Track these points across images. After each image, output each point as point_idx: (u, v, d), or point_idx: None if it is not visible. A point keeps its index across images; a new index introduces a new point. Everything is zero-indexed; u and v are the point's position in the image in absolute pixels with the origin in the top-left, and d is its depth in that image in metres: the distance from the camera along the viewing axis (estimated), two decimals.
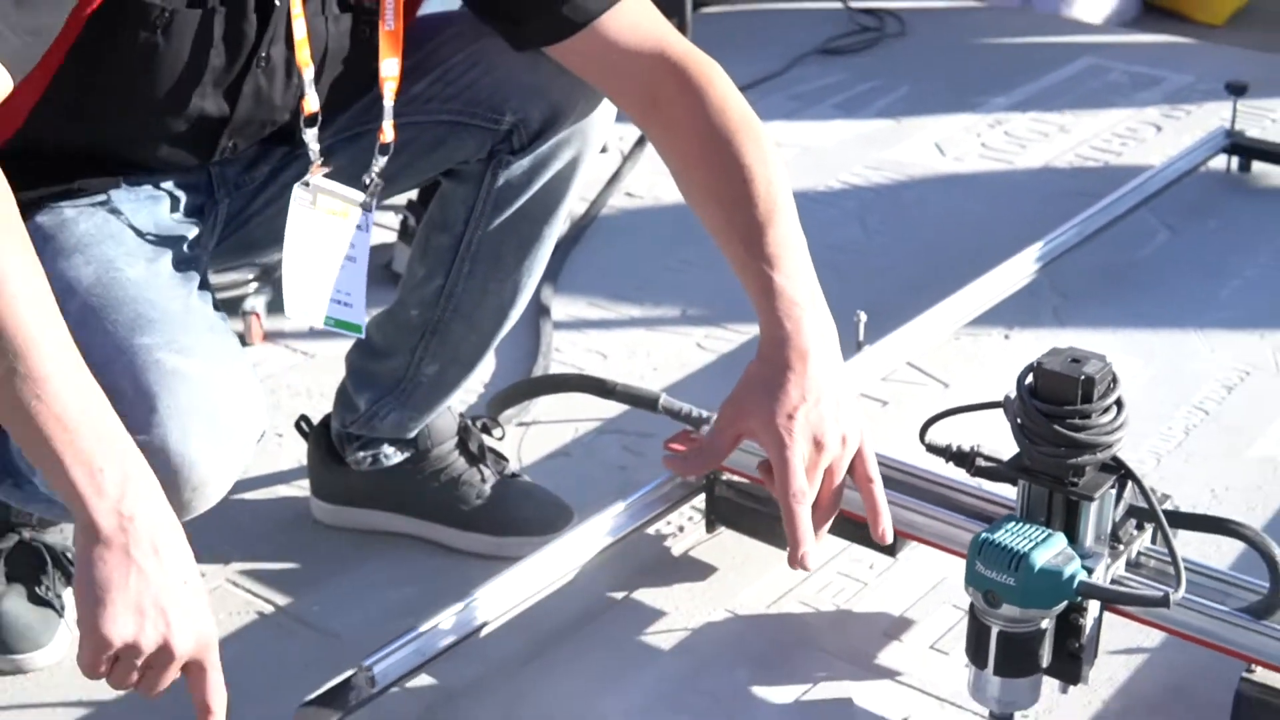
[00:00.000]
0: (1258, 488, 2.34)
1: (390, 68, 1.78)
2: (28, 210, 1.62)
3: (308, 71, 1.73)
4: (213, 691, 1.43)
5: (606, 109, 1.94)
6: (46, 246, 1.64)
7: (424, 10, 1.90)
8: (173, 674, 1.41)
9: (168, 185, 1.81)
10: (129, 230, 1.73)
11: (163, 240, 1.75)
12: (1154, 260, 3.10)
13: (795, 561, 1.65)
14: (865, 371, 2.47)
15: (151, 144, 1.75)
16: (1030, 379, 1.72)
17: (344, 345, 2.46)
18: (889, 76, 4.15)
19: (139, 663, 1.39)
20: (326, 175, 1.79)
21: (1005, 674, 1.72)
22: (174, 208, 1.81)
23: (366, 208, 1.82)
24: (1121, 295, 2.95)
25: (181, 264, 1.74)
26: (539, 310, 2.79)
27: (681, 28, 3.45)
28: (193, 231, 1.81)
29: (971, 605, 1.73)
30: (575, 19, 1.77)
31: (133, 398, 1.54)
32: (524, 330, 2.71)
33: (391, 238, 2.93)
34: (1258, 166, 3.45)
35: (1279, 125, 3.78)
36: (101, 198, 1.74)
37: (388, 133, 1.80)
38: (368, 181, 1.81)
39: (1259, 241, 3.16)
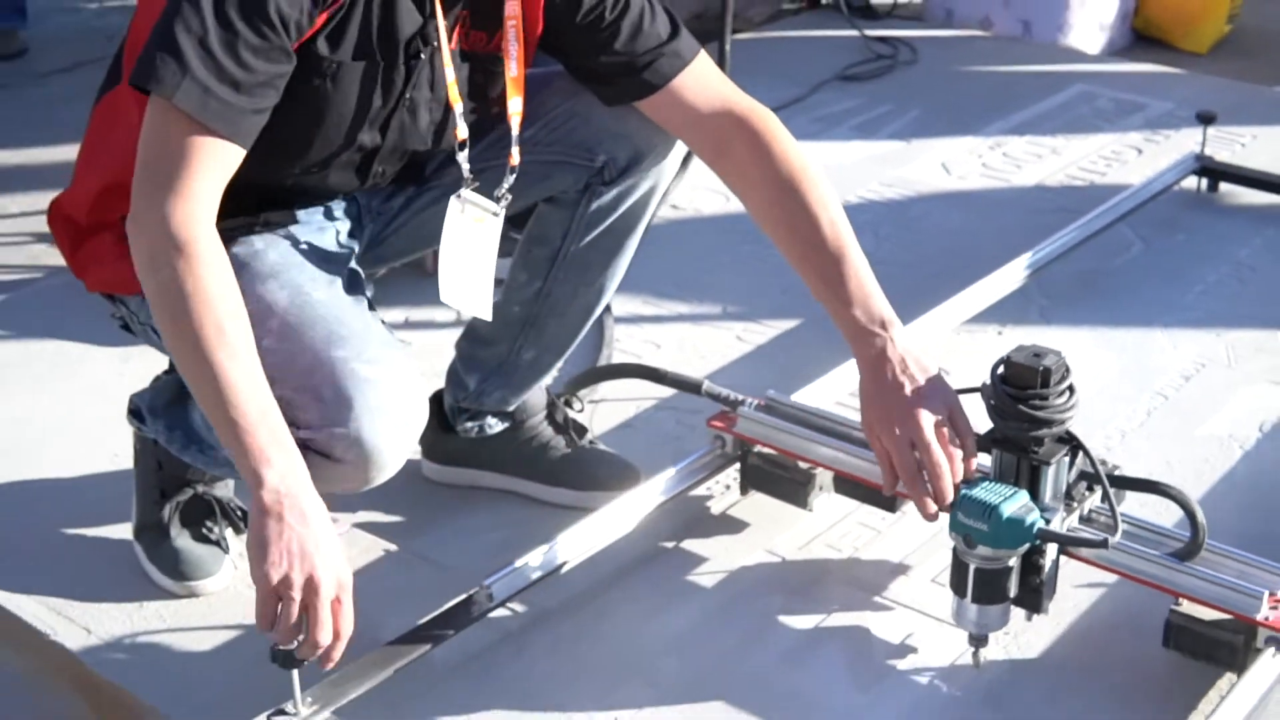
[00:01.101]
0: (1205, 460, 2.77)
1: (516, 105, 2.20)
2: (233, 238, 2.09)
3: (458, 106, 2.15)
4: (344, 620, 1.88)
5: (679, 151, 2.35)
6: (244, 272, 2.06)
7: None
8: (325, 614, 1.85)
9: (335, 215, 2.25)
10: (309, 258, 2.16)
11: (333, 263, 2.18)
12: (1128, 268, 3.52)
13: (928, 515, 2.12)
14: None
15: (322, 173, 2.19)
16: (1001, 369, 2.14)
17: (435, 334, 2.92)
18: (901, 101, 4.58)
19: (295, 600, 1.82)
20: (475, 189, 2.22)
21: (980, 601, 2.14)
22: (337, 236, 2.25)
23: (498, 216, 2.25)
24: (1099, 298, 3.37)
25: (352, 286, 2.16)
26: (603, 308, 3.24)
27: (721, 53, 3.82)
28: (352, 255, 2.26)
29: (954, 547, 2.15)
30: (654, 82, 2.21)
31: (333, 400, 1.98)
32: (591, 325, 3.16)
33: None
34: (1225, 187, 3.87)
35: (1248, 149, 4.21)
36: (283, 231, 2.18)
37: (515, 157, 2.22)
38: (498, 195, 2.24)
39: (1221, 253, 3.59)
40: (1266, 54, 5.42)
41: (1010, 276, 3.27)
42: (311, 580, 1.84)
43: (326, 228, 2.25)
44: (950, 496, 2.08)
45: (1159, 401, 2.97)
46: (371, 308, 2.18)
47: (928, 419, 2.08)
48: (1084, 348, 3.14)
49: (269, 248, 2.14)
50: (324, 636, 1.86)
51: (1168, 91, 4.67)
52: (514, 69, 2.19)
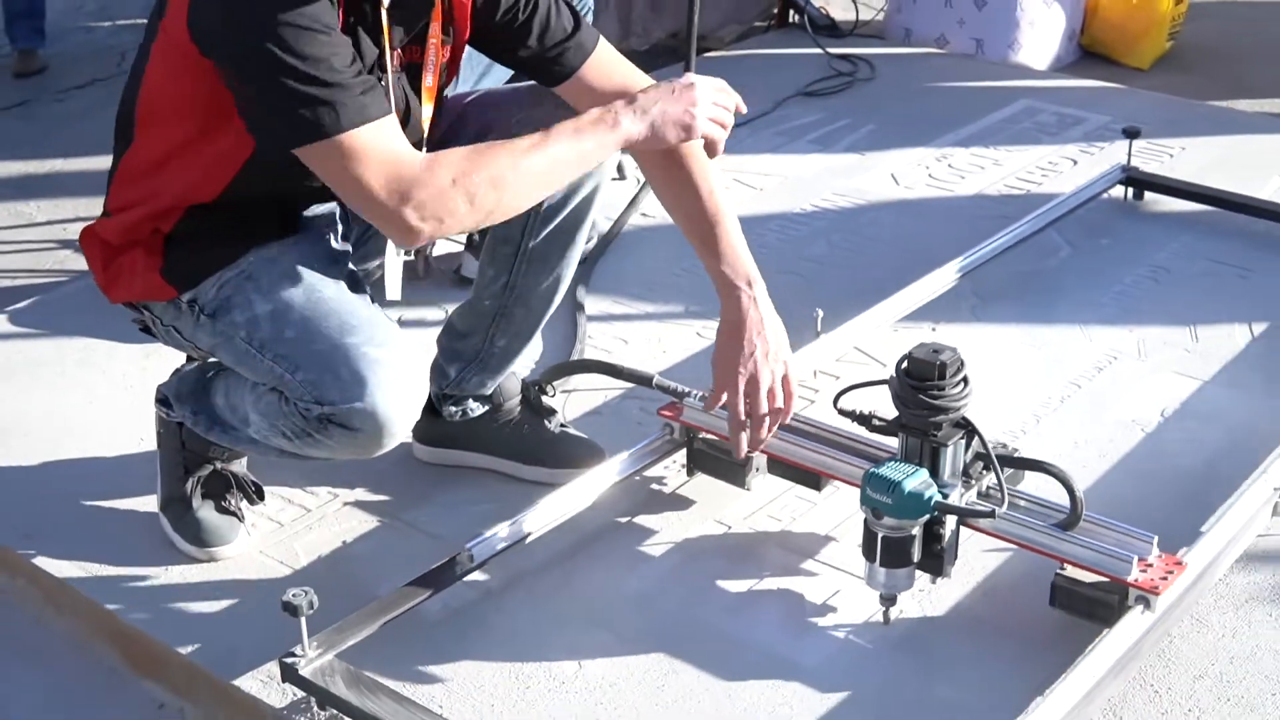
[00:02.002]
0: (1109, 440, 3.11)
1: (427, 111, 2.54)
2: (250, 248, 2.44)
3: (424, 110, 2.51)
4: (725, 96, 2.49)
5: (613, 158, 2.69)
6: (264, 276, 2.43)
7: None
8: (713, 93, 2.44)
9: (331, 223, 2.57)
10: (315, 262, 2.48)
11: (336, 265, 2.51)
12: (1055, 270, 3.87)
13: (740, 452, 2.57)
14: (822, 353, 3.26)
15: (309, 186, 2.48)
16: (905, 364, 2.47)
17: (426, 331, 3.26)
18: (858, 116, 4.93)
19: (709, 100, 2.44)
20: None
21: (888, 565, 2.46)
22: (335, 240, 2.58)
23: None
24: (1026, 298, 3.71)
25: (355, 284, 2.50)
26: (575, 306, 3.56)
27: (687, 55, 4.14)
28: (348, 256, 2.59)
29: (865, 518, 2.48)
30: (563, 72, 2.57)
31: (350, 379, 2.32)
32: (565, 321, 3.50)
33: (459, 248, 3.74)
34: (1149, 196, 4.22)
35: (1176, 160, 4.56)
36: (292, 239, 2.52)
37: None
38: None
39: (1140, 256, 3.93)
40: (1204, 69, 5.78)
41: (944, 277, 3.61)
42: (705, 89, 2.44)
43: (326, 233, 2.58)
44: (746, 450, 2.59)
45: (1073, 390, 3.32)
46: (373, 300, 2.52)
47: (765, 379, 2.52)
48: (1009, 342, 3.50)
49: (282, 255, 2.48)
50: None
51: (1106, 106, 5.02)
52: (429, 80, 2.53)
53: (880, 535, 2.45)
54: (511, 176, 2.28)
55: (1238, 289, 3.77)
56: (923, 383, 2.44)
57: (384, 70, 2.42)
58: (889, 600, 2.53)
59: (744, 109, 2.54)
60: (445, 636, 2.56)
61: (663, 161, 2.58)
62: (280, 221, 2.54)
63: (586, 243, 2.89)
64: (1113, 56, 5.83)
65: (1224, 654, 2.53)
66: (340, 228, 2.62)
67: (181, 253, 2.49)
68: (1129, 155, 4.21)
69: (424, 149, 2.49)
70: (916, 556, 2.48)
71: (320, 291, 2.43)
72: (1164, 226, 4.11)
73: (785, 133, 4.81)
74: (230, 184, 2.44)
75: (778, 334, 2.56)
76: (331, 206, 2.59)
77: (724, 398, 2.57)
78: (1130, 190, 4.24)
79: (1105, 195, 4.18)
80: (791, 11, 5.83)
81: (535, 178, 2.33)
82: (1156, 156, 4.54)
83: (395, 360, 2.37)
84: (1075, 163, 4.56)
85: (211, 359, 2.65)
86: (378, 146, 2.24)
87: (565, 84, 2.60)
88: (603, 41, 2.63)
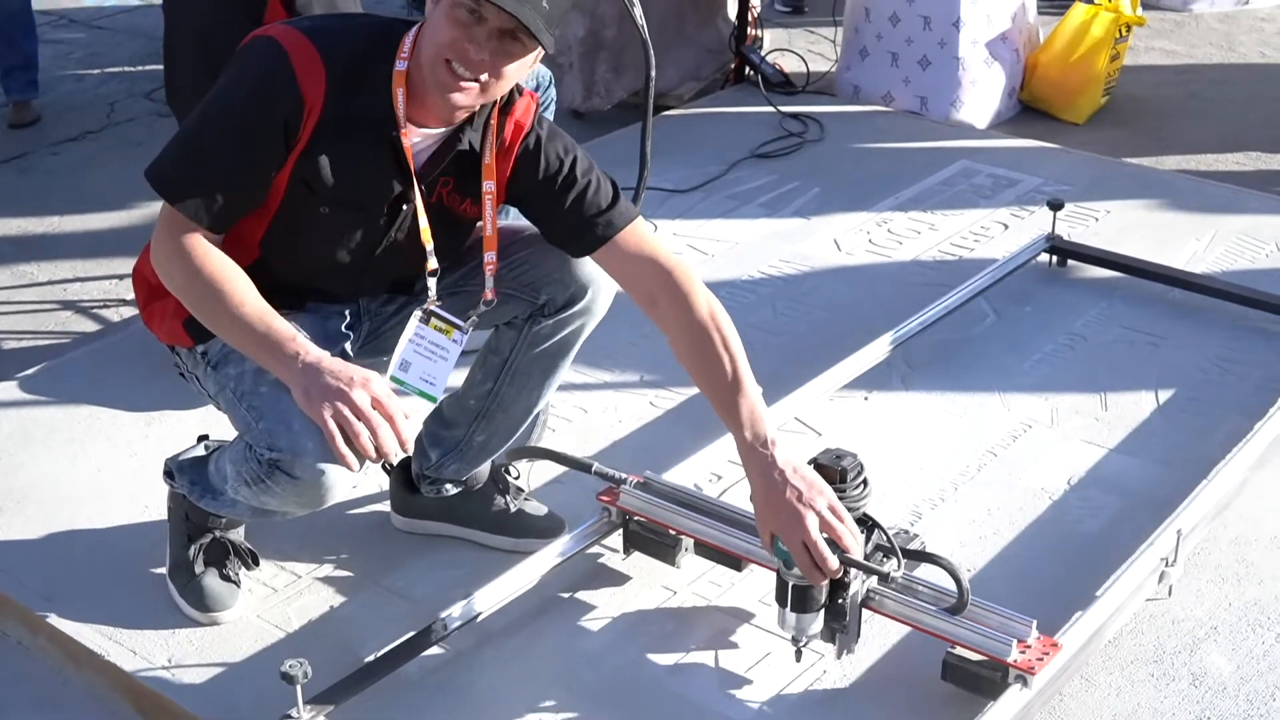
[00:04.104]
0: (1019, 508, 3.44)
1: (490, 257, 2.84)
2: None
3: (429, 245, 2.79)
4: (392, 407, 2.51)
5: (606, 299, 2.98)
6: None
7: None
8: (369, 410, 2.48)
9: (340, 311, 2.90)
10: (311, 334, 2.73)
11: (330, 341, 2.81)
12: (980, 338, 4.20)
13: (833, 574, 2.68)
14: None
15: (325, 280, 2.85)
16: (811, 466, 2.74)
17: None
18: (806, 178, 5.27)
19: (344, 411, 2.46)
20: (439, 305, 2.84)
21: (797, 611, 2.72)
22: (340, 324, 2.90)
23: (464, 331, 2.85)
24: (952, 367, 4.04)
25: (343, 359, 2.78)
26: (542, 407, 3.81)
27: (644, 135, 4.37)
28: (348, 340, 2.91)
29: (777, 569, 2.72)
30: (592, 242, 2.84)
31: (298, 431, 2.57)
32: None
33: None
34: (1072, 263, 4.57)
35: (1101, 223, 4.92)
36: (299, 313, 2.81)
37: (491, 295, 2.86)
38: (469, 315, 2.85)
39: (1059, 324, 4.26)
40: (1138, 123, 6.14)
41: (878, 350, 3.95)
42: (350, 380, 2.51)
43: (331, 316, 2.91)
44: (833, 568, 2.67)
45: (989, 458, 3.65)
46: None
47: (812, 520, 2.63)
48: (934, 410, 3.84)
49: None
50: (384, 434, 2.50)
51: (1040, 167, 5.38)
52: (489, 228, 2.84)
53: (790, 584, 2.73)
54: (189, 292, 2.64)
55: (1148, 357, 4.11)
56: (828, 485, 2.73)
57: (406, 202, 2.76)
58: (798, 642, 2.82)
59: (392, 453, 2.54)
60: (423, 696, 2.88)
61: (686, 327, 2.79)
62: (294, 294, 2.85)
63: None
64: (1051, 112, 6.16)
65: (1108, 711, 2.87)
66: (345, 319, 2.93)
67: None
68: (1053, 224, 4.54)
69: (433, 278, 2.83)
70: (822, 601, 2.76)
71: None
72: (1084, 293, 4.44)
73: (736, 196, 5.15)
74: (253, 264, 2.73)
75: (805, 475, 2.68)
76: (340, 302, 2.92)
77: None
78: (1054, 258, 4.57)
79: (1032, 262, 4.51)
80: (747, 68, 6.15)
81: (195, 303, 2.65)
82: (1083, 220, 4.90)
83: None
84: (1006, 227, 4.90)
85: (213, 444, 3.00)
86: (178, 223, 2.64)
87: (595, 254, 2.87)
88: (638, 220, 2.88)
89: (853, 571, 2.73)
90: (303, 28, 2.68)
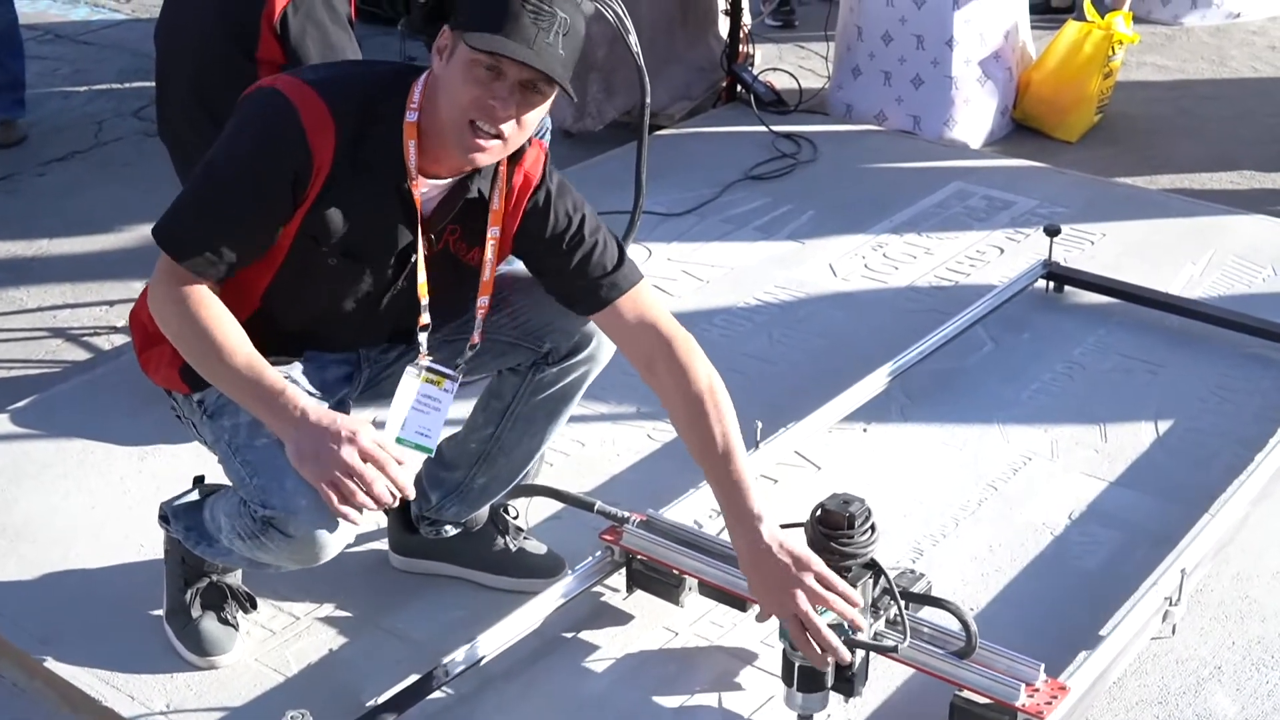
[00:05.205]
0: (1020, 544, 3.43)
1: (483, 301, 2.83)
2: None
3: (424, 300, 2.78)
4: (382, 457, 2.50)
5: (611, 346, 2.95)
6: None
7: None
8: (359, 465, 2.46)
9: (339, 360, 2.88)
10: (316, 388, 2.78)
11: (327, 392, 2.82)
12: (978, 367, 4.18)
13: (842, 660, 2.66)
14: (764, 460, 3.56)
15: (327, 328, 2.82)
16: (819, 512, 2.74)
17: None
18: (800, 200, 5.25)
19: (334, 472, 2.45)
20: (431, 360, 2.83)
21: (804, 690, 2.74)
22: (338, 373, 2.88)
23: (454, 379, 2.84)
24: (950, 397, 4.02)
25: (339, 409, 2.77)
26: (542, 452, 3.77)
27: (639, 157, 4.31)
28: (346, 389, 2.90)
29: (783, 649, 2.74)
30: (594, 304, 2.82)
31: (291, 489, 2.57)
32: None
33: None
34: (1069, 288, 4.56)
35: (1096, 247, 4.91)
36: (295, 363, 2.81)
37: (476, 338, 2.85)
38: (458, 364, 2.85)
39: (1057, 351, 4.25)
40: (1131, 141, 6.12)
41: (876, 382, 3.93)
42: (338, 436, 2.48)
43: (329, 365, 2.89)
44: (845, 653, 2.65)
45: (989, 492, 3.64)
46: None
47: (802, 599, 2.61)
48: (933, 443, 3.83)
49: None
50: (377, 487, 2.48)
51: (1034, 188, 5.37)
52: (486, 274, 2.82)
53: (797, 665, 2.74)
54: (183, 340, 2.62)
55: (1147, 386, 4.10)
56: (834, 531, 2.73)
57: (414, 251, 2.74)
58: (805, 718, 2.82)
59: (388, 503, 2.54)
60: None
61: (684, 397, 2.78)
62: (292, 345, 2.84)
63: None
64: (1044, 130, 6.14)
65: None
66: (345, 369, 2.91)
67: None
68: (1050, 250, 4.53)
69: (423, 333, 2.82)
70: (830, 682, 2.76)
71: None
72: (1081, 320, 4.43)
73: (731, 219, 5.13)
74: (244, 321, 2.69)
75: (791, 549, 2.66)
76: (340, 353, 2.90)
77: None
78: (1051, 283, 4.56)
79: (1028, 288, 4.50)
80: (739, 87, 6.13)
81: (189, 350, 2.63)
82: (1078, 244, 4.88)
83: None
84: (1002, 251, 4.88)
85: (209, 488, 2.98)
86: (179, 273, 2.62)
87: (596, 316, 2.86)
88: (642, 283, 2.86)
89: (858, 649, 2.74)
90: (308, 80, 2.65)
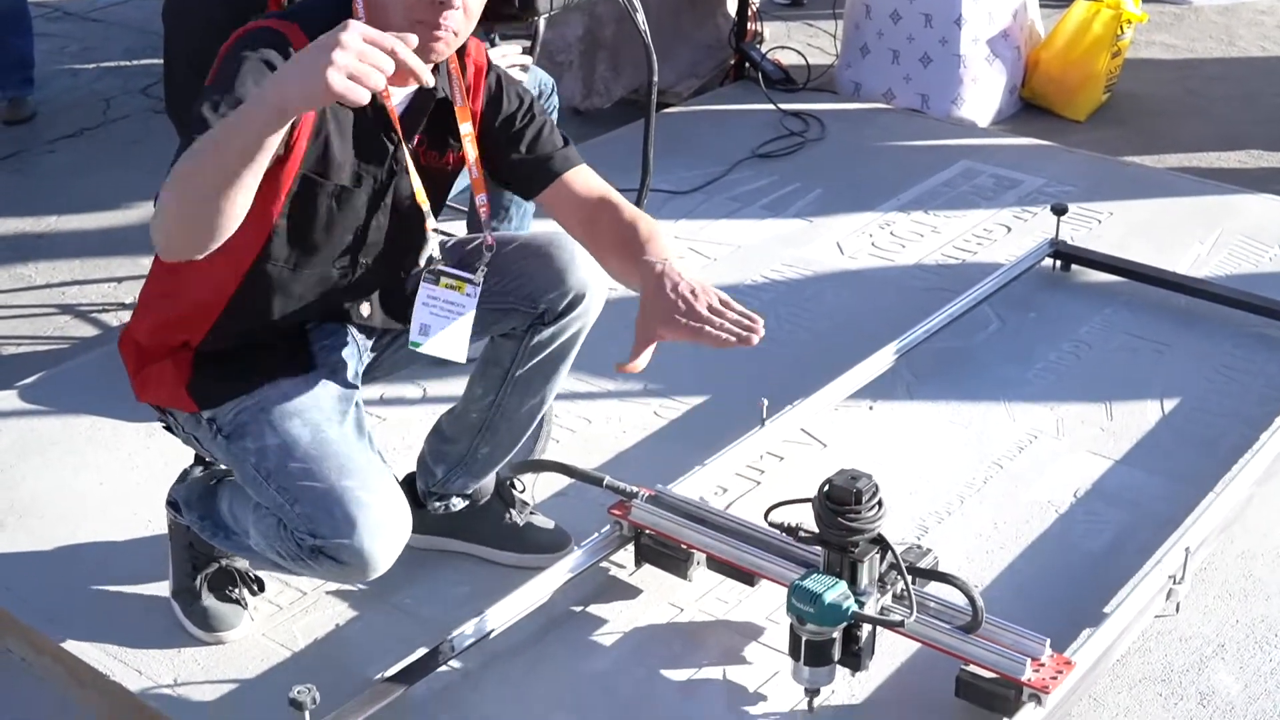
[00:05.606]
0: (1025, 521, 3.44)
1: (482, 200, 2.86)
2: (270, 379, 2.75)
3: (425, 205, 2.77)
4: (380, 39, 2.14)
5: (600, 298, 2.98)
6: (274, 410, 2.71)
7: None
8: (363, 44, 2.10)
9: (343, 357, 2.86)
10: (324, 398, 2.77)
11: (343, 402, 2.80)
12: (984, 346, 4.19)
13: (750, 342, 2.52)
14: (770, 437, 3.58)
15: (326, 274, 2.77)
16: (827, 487, 2.77)
17: (405, 409, 3.55)
18: (808, 179, 5.25)
19: (347, 59, 2.08)
20: (444, 265, 2.82)
21: (811, 665, 2.76)
22: (345, 374, 2.86)
23: (475, 283, 2.83)
24: (957, 375, 4.03)
25: (359, 424, 2.79)
26: (543, 414, 3.81)
27: (646, 133, 4.31)
28: (356, 392, 2.87)
29: (790, 623, 2.77)
30: (548, 176, 2.85)
31: (342, 519, 2.60)
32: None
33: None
34: (1075, 267, 4.56)
35: (1104, 225, 4.91)
36: (309, 376, 2.80)
37: (490, 241, 2.86)
38: (477, 268, 2.83)
39: (1064, 331, 4.26)
40: (1138, 121, 6.11)
41: (882, 360, 3.94)
42: (338, 46, 2.12)
43: (341, 370, 2.87)
44: (757, 325, 2.52)
45: (995, 470, 3.65)
46: (371, 443, 2.80)
47: (703, 298, 2.54)
48: (938, 422, 3.83)
49: (295, 391, 2.76)
50: (401, 53, 2.15)
51: (1041, 167, 5.37)
52: (475, 171, 2.84)
53: (804, 639, 2.75)
54: (182, 184, 2.32)
55: (1153, 365, 4.10)
56: (841, 506, 2.75)
57: (397, 164, 2.74)
58: (813, 692, 2.83)
59: (403, 51, 2.18)
60: (429, 716, 2.87)
61: (615, 229, 2.77)
62: (299, 352, 2.83)
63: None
64: (1052, 109, 6.14)
65: None
66: (351, 364, 2.90)
67: (207, 372, 2.79)
68: (1056, 230, 4.53)
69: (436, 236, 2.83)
70: (837, 656, 2.77)
71: (325, 432, 2.73)
72: (1088, 299, 4.44)
73: (738, 197, 5.13)
74: (238, 289, 2.71)
75: (701, 283, 2.58)
76: (344, 339, 2.89)
77: (652, 346, 2.63)
78: (1058, 262, 4.56)
79: (1035, 267, 4.50)
80: (747, 65, 6.13)
81: (195, 178, 2.30)
82: (1085, 222, 4.88)
83: (383, 505, 2.67)
84: (1009, 229, 4.89)
85: (220, 466, 2.98)
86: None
87: (549, 188, 2.87)
88: (584, 165, 2.91)
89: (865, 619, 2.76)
90: (286, 15, 2.64)
